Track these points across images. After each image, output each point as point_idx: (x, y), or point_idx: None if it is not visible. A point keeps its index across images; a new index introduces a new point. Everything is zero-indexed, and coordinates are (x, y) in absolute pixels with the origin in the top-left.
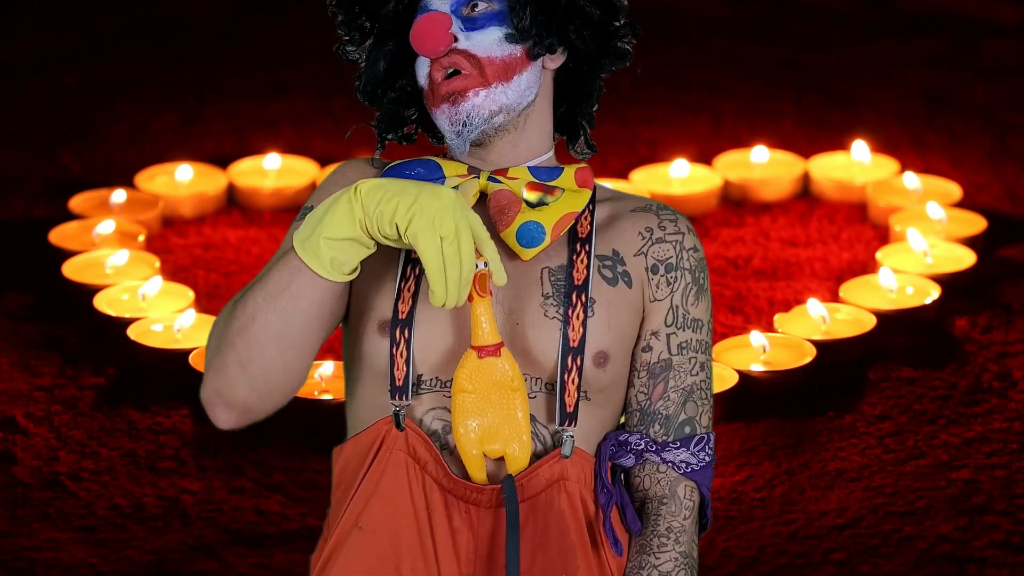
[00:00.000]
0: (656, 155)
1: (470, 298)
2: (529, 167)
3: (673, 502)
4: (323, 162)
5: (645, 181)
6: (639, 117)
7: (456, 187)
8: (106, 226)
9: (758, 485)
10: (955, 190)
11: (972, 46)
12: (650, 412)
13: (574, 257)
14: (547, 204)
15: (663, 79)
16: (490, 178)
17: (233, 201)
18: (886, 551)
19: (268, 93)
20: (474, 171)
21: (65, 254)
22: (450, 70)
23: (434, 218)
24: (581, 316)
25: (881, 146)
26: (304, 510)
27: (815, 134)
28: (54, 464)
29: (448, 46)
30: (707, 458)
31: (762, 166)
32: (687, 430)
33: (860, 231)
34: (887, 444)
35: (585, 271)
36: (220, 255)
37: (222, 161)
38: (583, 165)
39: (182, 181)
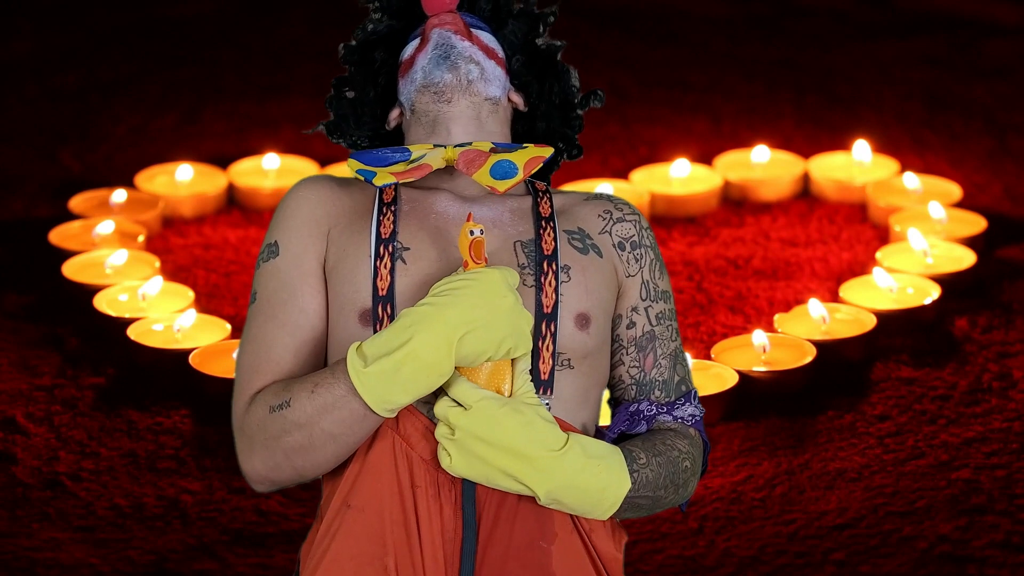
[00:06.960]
0: (656, 155)
1: (466, 264)
2: (493, 143)
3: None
4: (323, 162)
5: (645, 181)
6: (639, 117)
7: (423, 156)
8: (106, 226)
9: (758, 485)
10: (955, 190)
11: (972, 46)
12: (647, 382)
13: (541, 231)
14: (513, 151)
15: (663, 79)
16: (456, 146)
17: (233, 201)
18: (886, 551)
19: (268, 93)
20: (440, 147)
21: (65, 254)
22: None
23: (518, 338)
24: (553, 283)
25: (881, 146)
26: (304, 510)
27: (815, 134)
28: (54, 464)
29: (455, 5)
30: (701, 409)
31: (762, 166)
32: (683, 388)
33: (860, 231)
34: (887, 444)
35: (553, 242)
36: (220, 255)
37: (222, 161)
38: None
39: (182, 181)
